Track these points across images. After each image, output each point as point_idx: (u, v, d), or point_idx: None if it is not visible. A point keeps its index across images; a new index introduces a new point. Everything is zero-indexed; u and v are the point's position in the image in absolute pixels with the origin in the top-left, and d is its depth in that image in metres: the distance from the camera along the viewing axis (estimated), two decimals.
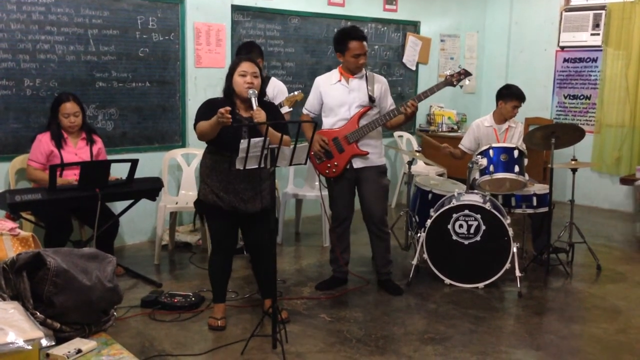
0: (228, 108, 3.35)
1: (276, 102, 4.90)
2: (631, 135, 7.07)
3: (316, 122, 3.61)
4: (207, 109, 3.59)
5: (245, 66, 3.59)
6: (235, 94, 3.63)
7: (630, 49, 6.99)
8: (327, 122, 4.40)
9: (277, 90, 5.11)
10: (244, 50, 4.92)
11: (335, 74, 4.40)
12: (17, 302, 3.06)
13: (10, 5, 4.69)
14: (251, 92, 3.54)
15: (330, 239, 4.57)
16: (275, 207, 3.87)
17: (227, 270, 3.88)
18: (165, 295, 4.14)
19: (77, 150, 4.57)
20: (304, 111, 4.53)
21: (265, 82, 3.71)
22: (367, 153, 4.29)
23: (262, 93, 3.71)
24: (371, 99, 4.27)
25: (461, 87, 4.42)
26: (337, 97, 4.32)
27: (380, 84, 4.35)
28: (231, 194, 3.62)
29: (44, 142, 4.48)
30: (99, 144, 4.72)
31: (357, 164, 4.31)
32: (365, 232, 4.54)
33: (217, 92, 5.61)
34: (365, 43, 4.23)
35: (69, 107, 4.50)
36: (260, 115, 3.46)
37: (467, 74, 4.31)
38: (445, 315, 4.07)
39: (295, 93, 4.88)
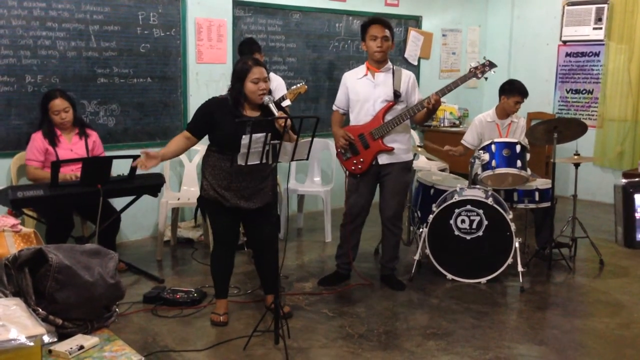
0: (147, 165, 3.54)
1: (275, 97, 4.90)
2: (633, 130, 7.05)
3: (318, 117, 3.60)
4: (204, 114, 3.64)
5: (257, 72, 3.56)
6: (244, 99, 3.62)
7: (633, 43, 6.96)
8: (353, 118, 4.36)
9: (275, 84, 5.12)
10: (246, 48, 4.94)
11: (362, 68, 4.36)
12: (19, 299, 3.06)
13: (12, 1, 4.68)
14: (267, 98, 3.56)
15: (340, 234, 4.53)
16: (277, 203, 3.87)
17: (230, 266, 3.88)
18: (168, 291, 4.14)
19: (72, 146, 4.56)
20: (334, 107, 4.49)
21: None
22: (393, 149, 4.26)
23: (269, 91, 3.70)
24: (396, 94, 4.24)
25: (486, 78, 4.36)
26: (363, 91, 4.28)
27: (407, 78, 4.30)
28: (233, 191, 3.62)
29: (37, 140, 4.46)
30: (93, 137, 4.70)
31: (383, 159, 4.29)
32: (369, 227, 4.53)
33: (219, 88, 5.64)
34: (386, 30, 4.19)
35: (58, 103, 4.47)
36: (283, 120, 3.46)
37: (492, 65, 4.27)
38: (448, 310, 4.06)
39: (299, 85, 4.85)
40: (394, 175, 4.31)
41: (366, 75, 4.29)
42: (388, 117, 4.23)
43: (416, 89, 4.35)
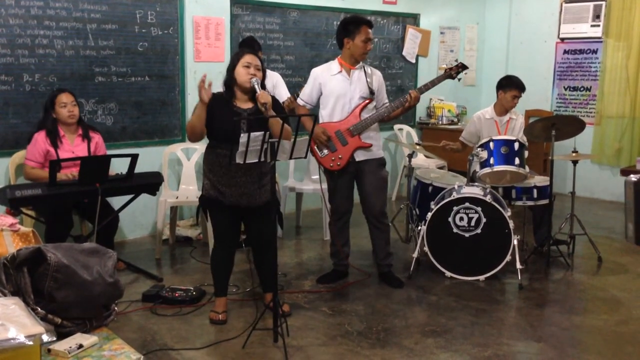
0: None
1: (278, 92, 4.89)
2: (631, 127, 7.06)
3: (316, 115, 3.60)
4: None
5: (249, 58, 3.60)
6: (236, 85, 3.63)
7: (631, 40, 6.97)
8: (325, 114, 4.34)
9: (274, 80, 5.13)
10: (246, 46, 4.96)
11: (334, 64, 4.34)
12: (17, 298, 3.05)
13: (9, 0, 4.67)
14: (254, 80, 3.56)
15: (330, 232, 4.56)
16: (277, 202, 3.87)
17: (229, 264, 3.88)
18: (167, 290, 4.14)
19: (73, 148, 4.54)
20: (300, 102, 4.44)
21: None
22: (371, 145, 4.28)
23: (263, 86, 3.70)
24: (371, 92, 4.27)
25: (459, 79, 4.50)
26: (338, 88, 4.28)
27: (377, 77, 4.37)
28: (233, 187, 3.62)
29: (39, 140, 4.44)
30: (96, 139, 4.68)
31: (360, 156, 4.30)
32: (365, 225, 4.53)
33: (217, 86, 5.61)
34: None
35: (65, 97, 4.47)
36: (265, 97, 3.46)
37: (463, 67, 4.43)
38: (446, 307, 4.07)
39: None
40: (372, 172, 4.33)
41: (341, 72, 4.29)
42: (364, 114, 4.26)
43: (383, 89, 4.42)
